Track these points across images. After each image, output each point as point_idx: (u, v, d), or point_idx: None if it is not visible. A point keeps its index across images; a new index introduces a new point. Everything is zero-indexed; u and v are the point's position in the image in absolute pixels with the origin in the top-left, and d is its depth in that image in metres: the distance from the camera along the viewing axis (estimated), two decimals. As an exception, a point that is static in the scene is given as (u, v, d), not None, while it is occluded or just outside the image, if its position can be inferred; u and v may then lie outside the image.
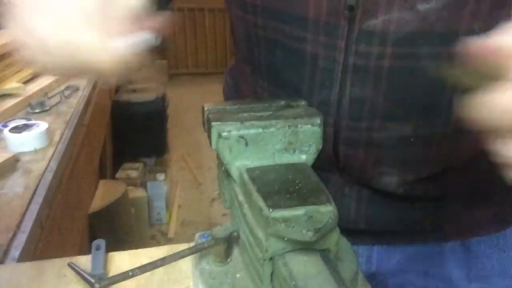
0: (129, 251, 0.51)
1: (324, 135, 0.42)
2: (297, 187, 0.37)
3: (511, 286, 0.57)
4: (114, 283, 0.39)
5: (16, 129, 1.00)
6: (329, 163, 0.50)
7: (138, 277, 0.40)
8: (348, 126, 0.48)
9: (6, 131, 0.99)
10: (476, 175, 0.52)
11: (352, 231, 0.46)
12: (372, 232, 0.56)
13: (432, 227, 0.55)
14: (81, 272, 0.43)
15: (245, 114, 0.41)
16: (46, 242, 0.79)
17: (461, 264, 0.56)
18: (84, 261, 0.49)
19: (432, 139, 0.47)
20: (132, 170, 2.30)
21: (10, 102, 1.18)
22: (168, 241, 2.26)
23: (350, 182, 0.52)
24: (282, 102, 0.45)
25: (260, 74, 0.54)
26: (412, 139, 0.46)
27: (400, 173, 0.50)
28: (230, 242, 0.42)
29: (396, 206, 0.53)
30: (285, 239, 0.34)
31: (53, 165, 0.91)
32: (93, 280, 0.40)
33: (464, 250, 0.56)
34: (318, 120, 0.41)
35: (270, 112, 0.42)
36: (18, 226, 0.72)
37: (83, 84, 1.43)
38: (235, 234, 0.42)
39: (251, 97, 0.59)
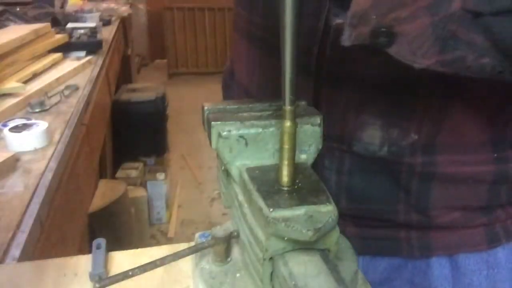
0: (129, 250, 0.51)
1: (307, 69, 0.40)
2: (296, 187, 0.37)
3: None
4: (114, 282, 0.39)
5: (16, 129, 1.00)
6: None
7: (138, 276, 0.40)
8: (331, 57, 0.47)
9: (6, 130, 0.99)
10: (467, 188, 0.51)
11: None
12: (355, 220, 0.54)
13: (418, 241, 0.55)
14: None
15: (245, 114, 0.41)
16: (46, 242, 0.79)
17: (448, 278, 0.55)
18: (84, 261, 0.49)
19: (420, 83, 0.43)
20: (132, 170, 2.30)
21: (10, 102, 1.18)
22: (168, 240, 2.27)
23: (331, 149, 0.51)
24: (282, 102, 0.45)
25: (256, 12, 0.56)
26: (398, 80, 0.43)
27: (383, 125, 0.49)
28: (230, 241, 0.42)
29: (378, 180, 0.52)
30: (285, 238, 0.34)
31: (53, 165, 0.91)
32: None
33: (452, 265, 0.55)
34: (318, 120, 0.41)
35: (270, 112, 0.42)
36: (18, 225, 0.72)
37: (83, 84, 1.43)
38: (235, 233, 0.42)
39: (244, 41, 0.60)
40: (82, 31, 1.83)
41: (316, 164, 0.48)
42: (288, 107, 0.35)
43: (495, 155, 0.49)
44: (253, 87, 0.62)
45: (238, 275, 0.41)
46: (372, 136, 0.50)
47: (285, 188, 0.37)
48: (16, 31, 1.47)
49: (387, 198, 0.53)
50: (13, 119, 1.12)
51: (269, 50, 0.57)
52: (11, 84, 1.25)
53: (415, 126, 0.48)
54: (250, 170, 0.39)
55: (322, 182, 0.38)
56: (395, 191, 0.52)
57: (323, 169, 0.52)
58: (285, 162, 0.36)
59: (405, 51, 0.35)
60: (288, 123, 0.35)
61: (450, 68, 0.36)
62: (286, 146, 0.36)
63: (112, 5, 2.67)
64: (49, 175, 0.88)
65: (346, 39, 0.36)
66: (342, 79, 0.49)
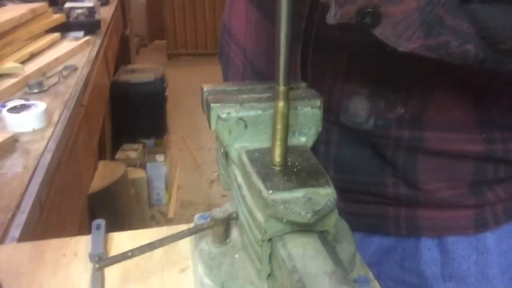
0: (129, 231, 0.51)
1: (295, 33, 0.40)
2: (296, 170, 0.37)
3: None
4: (113, 263, 0.40)
5: (15, 109, 1.00)
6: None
7: (138, 257, 0.40)
8: (320, 21, 0.47)
9: (4, 111, 0.99)
10: (453, 162, 0.51)
11: None
12: (343, 194, 0.52)
13: (406, 219, 0.55)
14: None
15: (245, 96, 0.41)
16: (45, 222, 0.80)
17: (437, 262, 0.56)
18: (84, 241, 0.49)
19: (408, 55, 0.41)
20: (131, 151, 2.30)
21: (8, 82, 1.18)
22: (168, 221, 2.28)
23: None
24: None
25: None
26: (388, 48, 0.41)
27: (370, 96, 0.49)
28: (229, 223, 0.42)
29: (366, 152, 0.52)
30: (284, 220, 0.34)
31: (52, 146, 0.91)
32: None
33: (440, 249, 0.56)
34: (318, 102, 0.40)
35: (269, 94, 0.41)
36: (18, 206, 0.72)
37: (81, 64, 1.42)
38: (234, 215, 0.42)
39: (243, 15, 0.59)
40: (80, 10, 1.81)
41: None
42: (281, 87, 0.35)
43: (483, 135, 0.50)
44: (249, 47, 0.61)
45: (237, 256, 0.41)
46: (359, 107, 0.50)
47: (278, 168, 0.37)
48: (13, 10, 1.45)
49: (375, 170, 0.53)
50: (12, 99, 1.12)
51: (265, 13, 0.56)
52: (9, 64, 1.24)
53: (402, 99, 0.48)
54: (249, 153, 0.39)
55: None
56: (383, 163, 0.52)
57: None
58: (278, 143, 0.36)
59: (390, 33, 0.35)
60: (281, 103, 0.35)
61: (434, 53, 0.36)
62: (279, 126, 0.36)
63: (110, -16, 2.63)
64: (48, 156, 0.88)
65: (331, 17, 0.35)
66: (330, 45, 0.48)
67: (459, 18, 0.33)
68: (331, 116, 0.51)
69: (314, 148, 0.51)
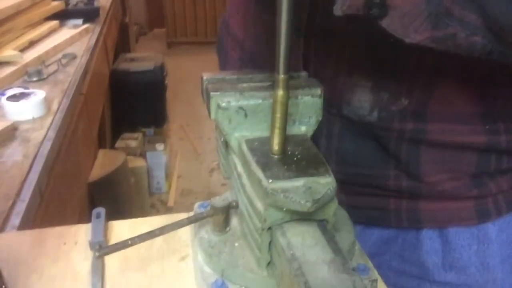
0: (129, 219, 0.51)
1: (297, 24, 0.40)
2: (296, 159, 0.37)
3: (489, 280, 0.55)
4: (113, 251, 0.40)
5: (14, 98, 0.99)
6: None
7: (138, 245, 0.40)
8: (323, 12, 0.47)
9: (3, 99, 0.99)
10: (456, 153, 0.51)
11: None
12: (344, 187, 0.53)
13: (407, 212, 0.55)
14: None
15: (245, 85, 0.41)
16: (45, 211, 0.80)
17: (437, 252, 0.56)
18: (84, 229, 0.49)
19: (410, 46, 0.39)
20: (131, 140, 2.30)
21: (7, 70, 1.17)
22: (168, 210, 2.29)
23: None
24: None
25: None
26: (391, 39, 0.40)
27: (373, 88, 0.48)
28: (229, 211, 0.42)
29: (368, 144, 0.52)
30: (284, 209, 0.34)
31: (52, 134, 0.91)
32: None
33: (442, 240, 0.56)
34: (318, 91, 0.40)
35: (269, 83, 0.41)
36: (18, 194, 0.72)
37: (81, 52, 1.42)
38: (234, 204, 0.42)
39: (241, 7, 0.59)
40: (78, -2, 1.80)
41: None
42: (281, 76, 0.35)
43: (487, 126, 0.49)
44: (248, 42, 0.61)
45: (236, 244, 0.41)
46: (362, 99, 0.49)
47: (278, 157, 0.37)
48: (11, -2, 1.44)
49: (377, 162, 0.53)
50: (11, 87, 1.11)
51: (264, 3, 0.56)
52: (8, 52, 1.23)
53: (405, 90, 0.48)
54: (249, 142, 0.39)
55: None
56: (385, 156, 0.52)
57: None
58: (277, 131, 0.36)
59: (397, 25, 0.35)
60: (280, 92, 0.35)
61: (441, 45, 0.36)
62: (278, 115, 0.36)
63: (109, -29, 2.60)
64: (47, 144, 0.88)
65: (338, 9, 0.35)
66: (332, 36, 0.48)
67: (467, 9, 0.33)
68: (333, 108, 0.51)
69: (316, 140, 0.51)
